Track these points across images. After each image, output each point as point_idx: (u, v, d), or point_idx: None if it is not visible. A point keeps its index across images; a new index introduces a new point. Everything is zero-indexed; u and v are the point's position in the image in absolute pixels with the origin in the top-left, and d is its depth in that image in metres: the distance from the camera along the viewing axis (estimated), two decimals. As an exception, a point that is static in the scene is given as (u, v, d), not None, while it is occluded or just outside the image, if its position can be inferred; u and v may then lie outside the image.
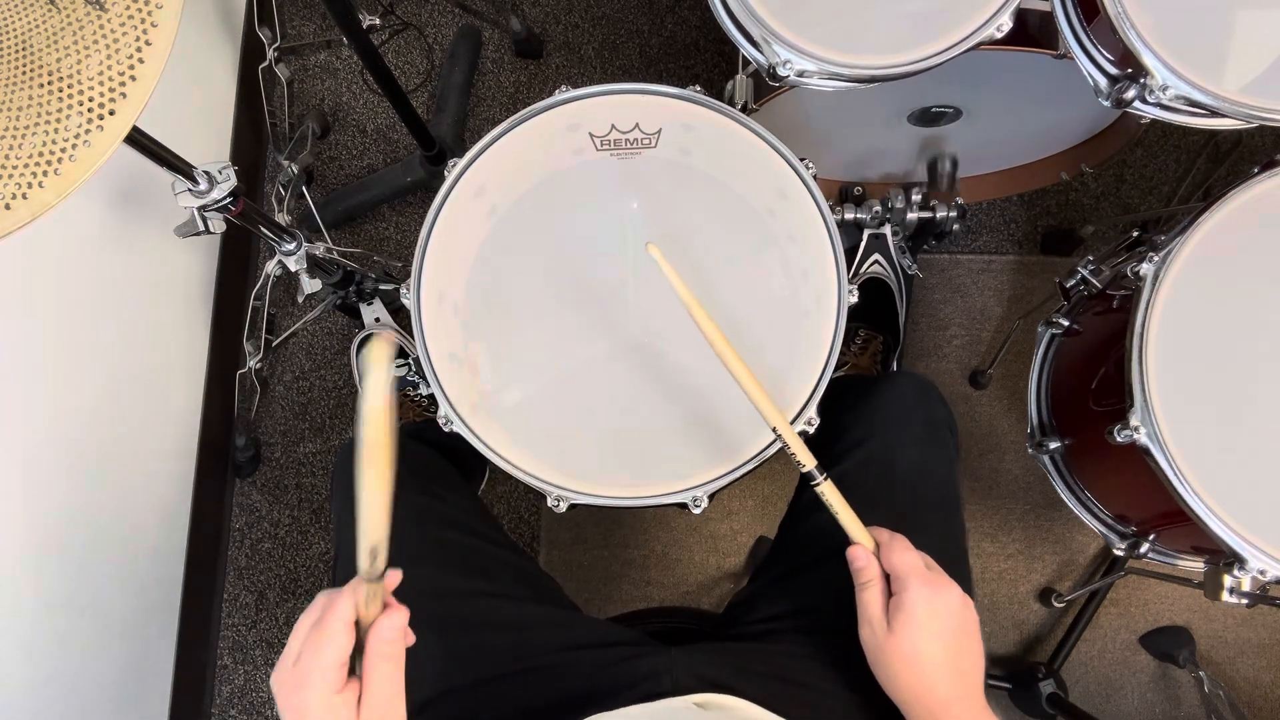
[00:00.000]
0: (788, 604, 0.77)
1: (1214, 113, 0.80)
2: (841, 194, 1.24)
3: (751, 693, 0.66)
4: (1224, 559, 0.78)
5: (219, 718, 1.39)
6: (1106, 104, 0.85)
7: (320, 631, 0.51)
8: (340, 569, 0.80)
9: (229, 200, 0.89)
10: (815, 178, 0.81)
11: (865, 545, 0.63)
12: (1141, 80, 0.80)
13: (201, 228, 0.90)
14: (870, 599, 0.61)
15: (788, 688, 0.69)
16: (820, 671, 0.70)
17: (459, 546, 0.80)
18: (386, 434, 0.53)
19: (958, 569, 0.78)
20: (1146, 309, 0.79)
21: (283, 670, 0.52)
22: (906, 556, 0.61)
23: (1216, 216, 0.79)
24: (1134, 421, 0.77)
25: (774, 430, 0.65)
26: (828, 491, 0.64)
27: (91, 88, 0.59)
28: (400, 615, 0.54)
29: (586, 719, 0.62)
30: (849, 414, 0.84)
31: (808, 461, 0.64)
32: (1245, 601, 0.79)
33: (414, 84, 1.52)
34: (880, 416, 0.83)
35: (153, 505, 1.25)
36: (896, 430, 0.82)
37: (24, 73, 0.59)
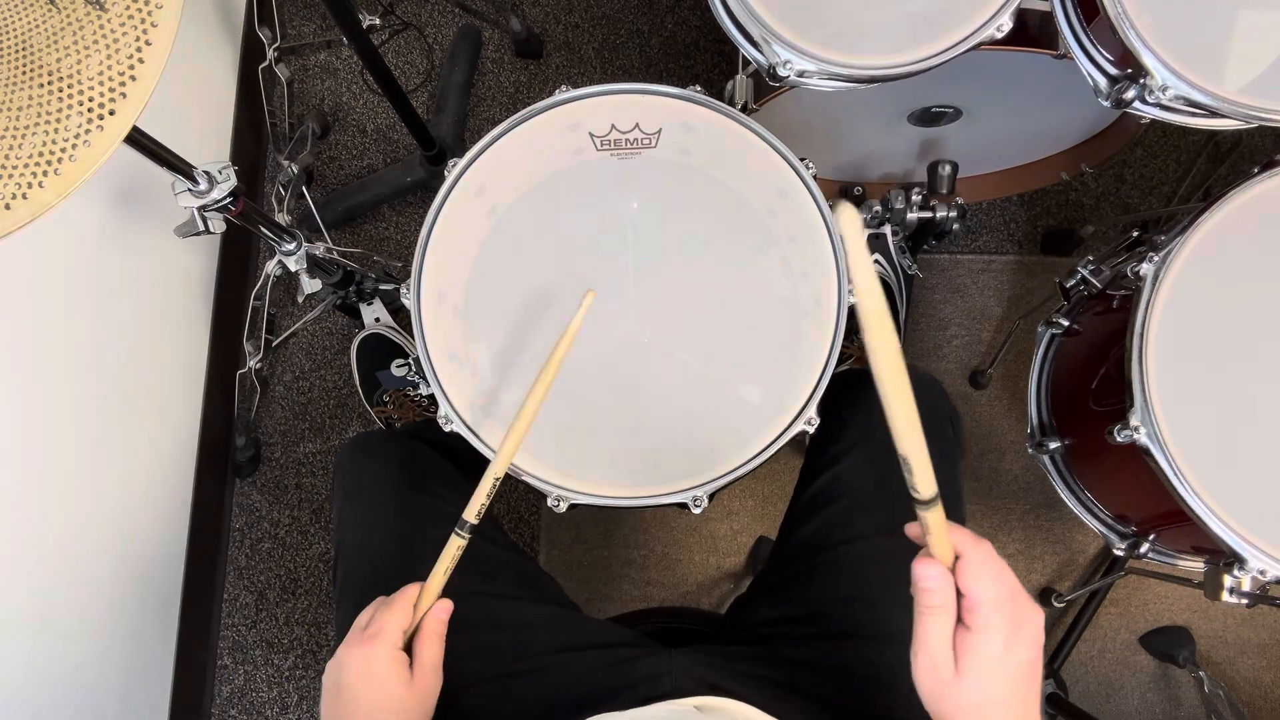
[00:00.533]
0: (788, 609, 0.76)
1: (1214, 113, 0.80)
2: (841, 194, 1.24)
3: (750, 696, 0.66)
4: (1224, 559, 0.78)
5: (219, 718, 1.39)
6: (1106, 104, 0.85)
7: (392, 604, 0.62)
8: (340, 569, 0.80)
9: (229, 200, 0.89)
10: (815, 178, 0.81)
11: (943, 561, 0.51)
12: (1141, 80, 0.80)
13: (201, 228, 0.90)
14: (936, 631, 0.50)
15: (786, 693, 0.69)
16: (820, 678, 0.70)
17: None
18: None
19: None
20: (1146, 309, 0.79)
21: (355, 633, 0.61)
22: (990, 583, 0.49)
23: (1216, 216, 0.79)
24: (1134, 421, 0.77)
25: (903, 457, 0.51)
26: (931, 518, 0.50)
27: (91, 88, 0.59)
28: (449, 604, 0.64)
29: None
30: (849, 410, 0.84)
31: (927, 491, 0.50)
32: (1245, 601, 0.79)
33: (414, 84, 1.52)
34: (877, 417, 0.82)
35: (153, 505, 1.25)
36: None
37: (24, 73, 0.59)
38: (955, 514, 0.80)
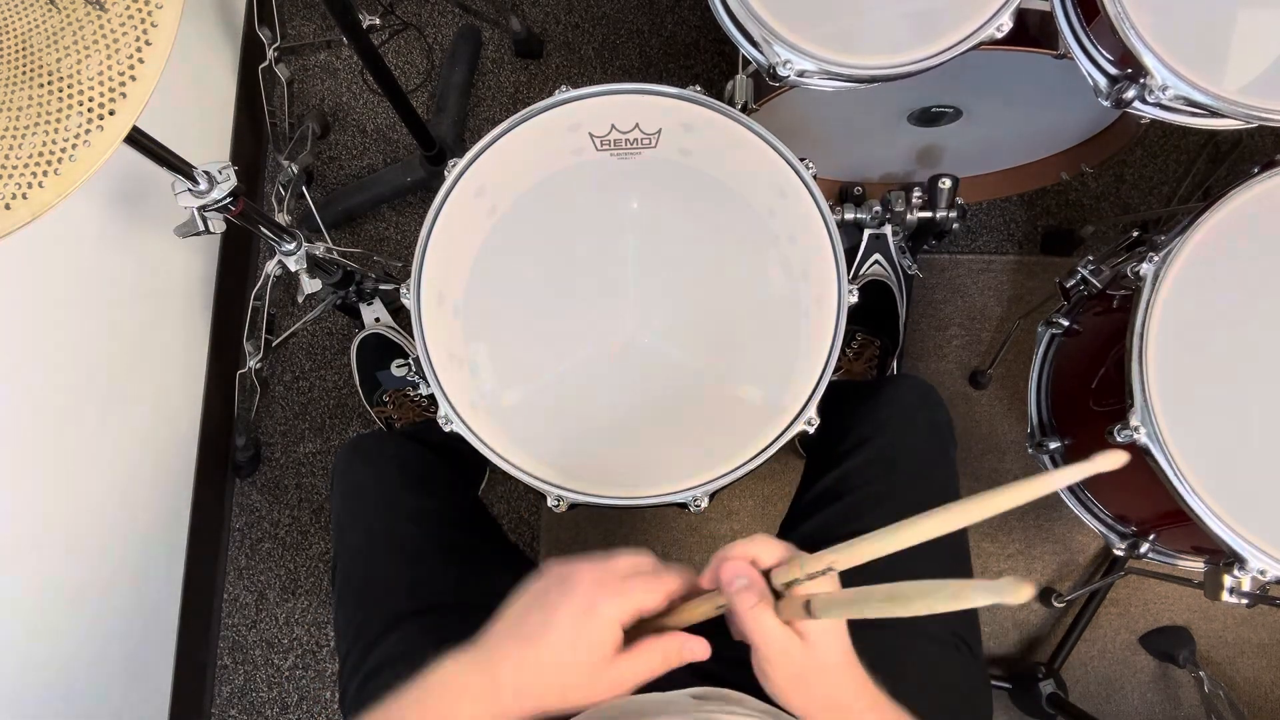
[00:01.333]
0: None
1: (1214, 113, 0.80)
2: (841, 194, 1.24)
3: (749, 685, 0.66)
4: (1224, 559, 0.78)
5: (219, 718, 1.39)
6: (1106, 104, 0.85)
7: (659, 577, 0.52)
8: (339, 571, 0.80)
9: (229, 200, 0.89)
10: (815, 178, 0.81)
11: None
12: (1141, 80, 0.80)
13: (201, 228, 0.90)
14: (769, 620, 0.50)
15: None
16: None
17: (460, 548, 0.80)
18: None
19: (960, 568, 0.78)
20: (1146, 309, 0.79)
21: (598, 565, 0.51)
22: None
23: (1216, 216, 0.79)
24: (1134, 421, 0.77)
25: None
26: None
27: (91, 88, 0.59)
28: (708, 648, 0.53)
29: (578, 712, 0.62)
30: (853, 415, 0.84)
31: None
32: (1245, 601, 0.79)
33: (414, 84, 1.52)
34: (884, 417, 0.83)
35: (153, 505, 1.25)
36: (900, 430, 0.82)
37: (24, 73, 0.59)
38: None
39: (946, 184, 1.08)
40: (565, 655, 0.49)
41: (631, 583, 0.51)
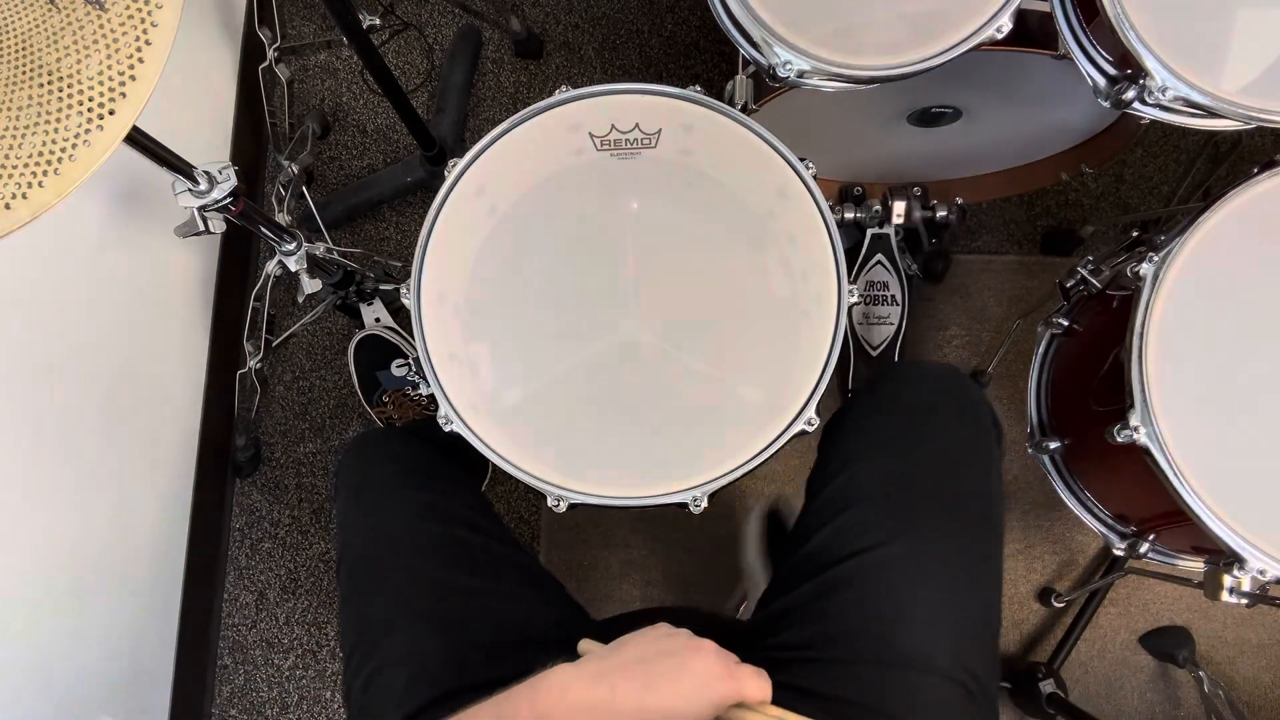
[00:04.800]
0: (798, 632, 0.73)
1: (1213, 114, 0.80)
2: (841, 194, 1.24)
3: None
4: (1224, 559, 0.78)
5: (219, 718, 1.39)
6: (1106, 105, 0.85)
7: (763, 677, 0.56)
8: (345, 568, 0.80)
9: (229, 200, 0.89)
10: (815, 178, 0.81)
11: None
12: (1141, 81, 0.80)
13: (201, 228, 0.90)
14: None
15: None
16: (820, 707, 0.68)
17: (466, 544, 0.80)
18: None
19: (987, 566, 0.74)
20: (1146, 309, 0.79)
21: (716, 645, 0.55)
22: None
23: (1216, 216, 0.79)
24: (1134, 421, 0.77)
25: None
26: None
27: (91, 88, 0.59)
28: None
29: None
30: (855, 414, 0.81)
31: None
32: (1245, 601, 0.79)
33: (414, 84, 1.52)
34: (888, 416, 0.79)
35: (153, 505, 1.25)
36: (929, 426, 0.77)
37: (24, 73, 0.59)
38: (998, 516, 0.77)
39: (953, 216, 1.05)
40: (679, 706, 0.52)
41: (744, 671, 0.55)
